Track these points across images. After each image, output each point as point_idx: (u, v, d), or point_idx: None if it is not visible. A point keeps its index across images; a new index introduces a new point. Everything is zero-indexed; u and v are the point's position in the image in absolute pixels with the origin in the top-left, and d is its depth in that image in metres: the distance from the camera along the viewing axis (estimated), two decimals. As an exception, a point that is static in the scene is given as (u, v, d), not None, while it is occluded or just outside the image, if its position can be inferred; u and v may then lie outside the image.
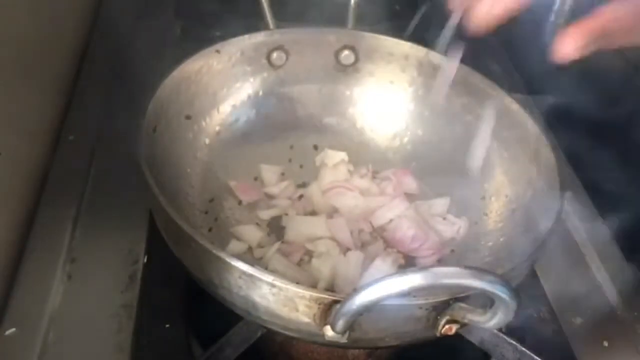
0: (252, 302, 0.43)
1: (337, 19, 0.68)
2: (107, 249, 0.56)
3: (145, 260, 0.55)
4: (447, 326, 0.42)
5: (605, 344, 0.55)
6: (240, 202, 0.62)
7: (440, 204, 0.64)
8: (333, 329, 0.39)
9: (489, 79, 0.64)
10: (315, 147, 0.69)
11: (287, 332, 0.44)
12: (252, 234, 0.59)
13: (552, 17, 1.11)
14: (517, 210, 0.59)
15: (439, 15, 0.52)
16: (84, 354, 0.48)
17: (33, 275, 0.53)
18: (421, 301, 0.40)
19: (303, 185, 0.65)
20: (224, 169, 0.63)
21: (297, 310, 0.41)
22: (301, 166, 0.67)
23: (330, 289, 0.54)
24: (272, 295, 0.41)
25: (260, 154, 0.66)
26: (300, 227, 0.59)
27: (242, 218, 0.61)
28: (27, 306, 0.50)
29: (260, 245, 0.58)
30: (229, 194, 0.62)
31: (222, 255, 0.41)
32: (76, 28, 0.81)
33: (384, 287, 0.35)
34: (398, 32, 0.69)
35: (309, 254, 0.57)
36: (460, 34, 0.50)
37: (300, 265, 0.57)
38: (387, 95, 0.70)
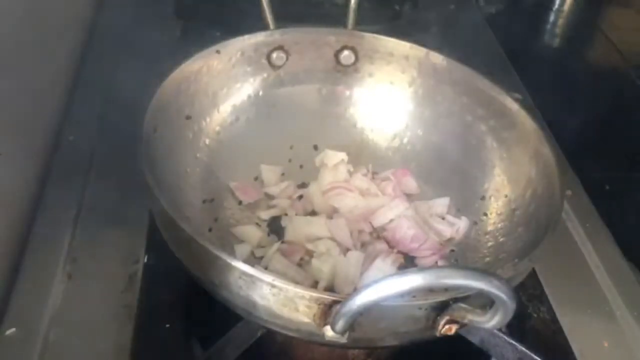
0: (252, 302, 0.43)
1: (337, 19, 0.68)
2: (107, 249, 0.56)
3: (145, 260, 0.55)
4: (447, 326, 0.42)
5: (605, 344, 0.55)
6: (240, 202, 0.62)
7: (440, 204, 0.64)
8: (333, 329, 0.39)
9: (489, 79, 0.64)
10: (315, 147, 0.69)
11: (287, 332, 0.44)
12: (252, 234, 0.59)
13: (552, 17, 1.11)
14: (517, 210, 0.59)
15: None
16: (84, 354, 0.48)
17: (33, 275, 0.53)
18: (421, 301, 0.40)
19: (303, 185, 0.65)
20: (224, 169, 0.63)
21: (297, 310, 0.41)
22: (301, 166, 0.67)
23: (330, 289, 0.54)
24: (272, 295, 0.41)
25: (260, 154, 0.66)
26: (300, 227, 0.59)
27: (242, 218, 0.61)
28: (27, 306, 0.50)
29: (260, 245, 0.58)
30: (229, 194, 0.62)
31: (222, 255, 0.41)
32: (76, 28, 0.81)
33: (384, 287, 0.35)
34: (398, 32, 0.69)
35: (309, 254, 0.57)
36: None
37: (300, 265, 0.57)
38: (387, 95, 0.69)
